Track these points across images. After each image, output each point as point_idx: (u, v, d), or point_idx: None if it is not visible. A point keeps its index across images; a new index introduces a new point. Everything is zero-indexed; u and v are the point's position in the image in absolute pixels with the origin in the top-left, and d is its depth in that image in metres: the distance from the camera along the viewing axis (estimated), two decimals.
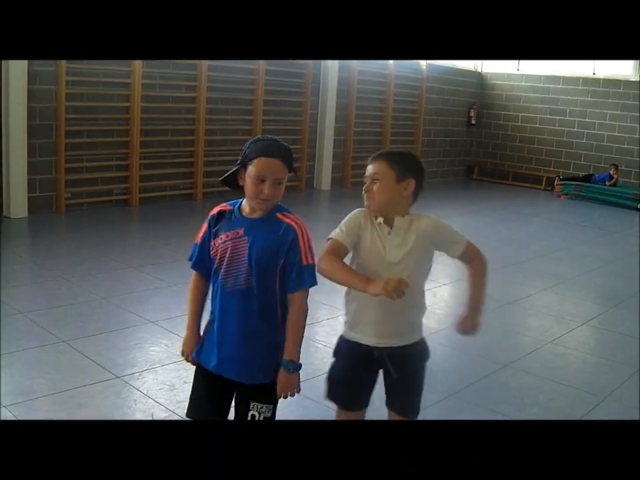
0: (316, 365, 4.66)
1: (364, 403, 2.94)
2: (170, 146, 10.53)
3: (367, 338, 2.81)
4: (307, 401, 4.01)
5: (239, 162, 2.65)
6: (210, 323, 2.80)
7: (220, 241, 2.67)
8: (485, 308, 2.89)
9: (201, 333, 2.83)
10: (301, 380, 2.73)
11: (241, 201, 2.72)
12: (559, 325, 6.05)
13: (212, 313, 2.78)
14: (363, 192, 2.78)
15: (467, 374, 4.80)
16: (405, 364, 2.85)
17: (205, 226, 2.75)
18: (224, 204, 2.75)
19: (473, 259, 2.81)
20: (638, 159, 14.53)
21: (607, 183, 14.11)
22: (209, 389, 2.79)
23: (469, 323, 2.83)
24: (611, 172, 14.15)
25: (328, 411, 3.97)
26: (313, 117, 12.84)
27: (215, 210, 2.74)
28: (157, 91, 10.13)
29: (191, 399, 2.84)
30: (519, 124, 16.29)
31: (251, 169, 2.59)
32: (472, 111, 16.68)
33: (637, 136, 14.56)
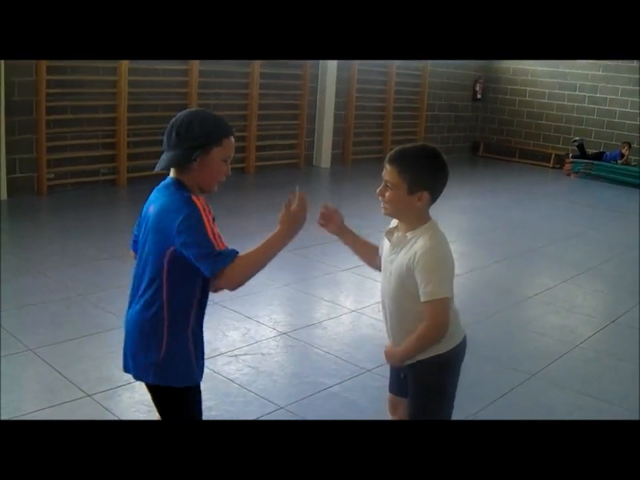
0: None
1: None
2: (160, 122, 9.78)
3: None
4: None
5: (200, 144, 2.39)
6: (198, 335, 2.49)
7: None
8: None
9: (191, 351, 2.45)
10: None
11: (189, 189, 2.46)
12: (584, 324, 5.47)
13: (198, 324, 2.49)
14: (377, 194, 2.56)
15: (490, 387, 4.22)
16: None
17: (206, 217, 2.35)
18: (194, 195, 2.41)
19: (425, 320, 2.48)
20: None
21: (618, 162, 13.52)
22: None
23: (395, 354, 2.61)
24: (623, 150, 13.56)
25: None
26: (313, 91, 12.16)
27: (201, 201, 2.40)
28: (145, 63, 9.44)
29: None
30: (527, 99, 15.60)
31: (219, 150, 2.39)
32: (478, 85, 15.99)
33: None
